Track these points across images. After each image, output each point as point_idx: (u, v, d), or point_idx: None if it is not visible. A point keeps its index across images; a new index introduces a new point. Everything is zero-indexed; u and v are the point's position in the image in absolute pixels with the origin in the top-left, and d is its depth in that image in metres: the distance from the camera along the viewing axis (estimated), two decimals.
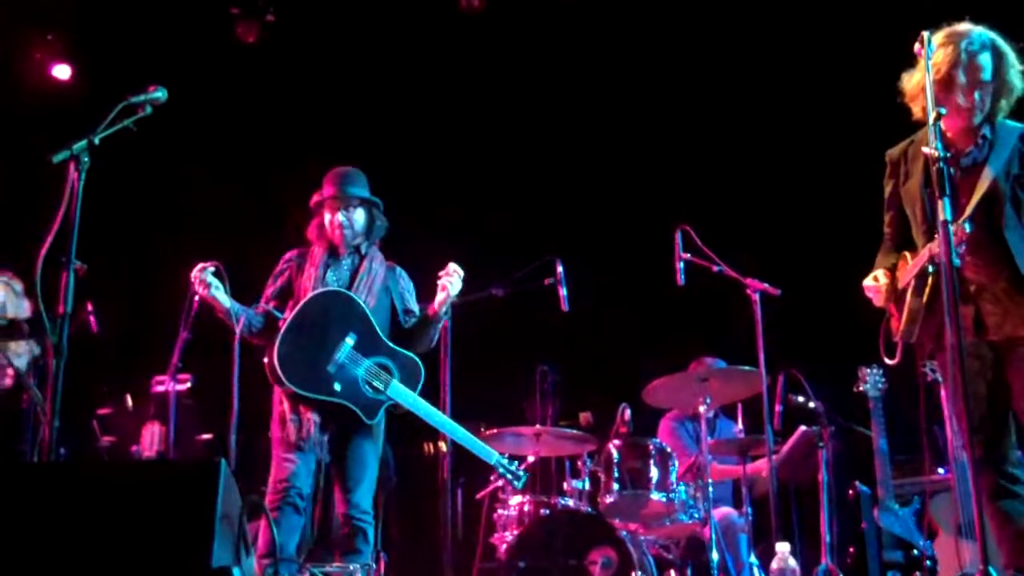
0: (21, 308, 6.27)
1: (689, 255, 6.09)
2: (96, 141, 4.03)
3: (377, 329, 5.37)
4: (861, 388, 6.21)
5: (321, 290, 5.34)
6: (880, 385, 6.18)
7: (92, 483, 3.37)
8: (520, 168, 8.91)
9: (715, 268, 6.09)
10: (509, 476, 5.58)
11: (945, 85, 4.27)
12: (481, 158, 8.94)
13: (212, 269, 5.12)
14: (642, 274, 7.66)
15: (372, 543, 5.34)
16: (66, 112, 8.26)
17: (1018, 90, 4.35)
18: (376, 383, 5.28)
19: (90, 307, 6.67)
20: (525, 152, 8.89)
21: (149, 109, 4.39)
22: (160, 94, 4.40)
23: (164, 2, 8.63)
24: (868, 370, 6.20)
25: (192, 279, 5.11)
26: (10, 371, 6.10)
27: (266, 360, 5.18)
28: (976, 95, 4.28)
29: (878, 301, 4.56)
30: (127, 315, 7.65)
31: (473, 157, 8.95)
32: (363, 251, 5.60)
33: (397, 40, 8.86)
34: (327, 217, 5.54)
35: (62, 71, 9.12)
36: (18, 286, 6.25)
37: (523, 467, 5.65)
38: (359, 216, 5.56)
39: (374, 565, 7.03)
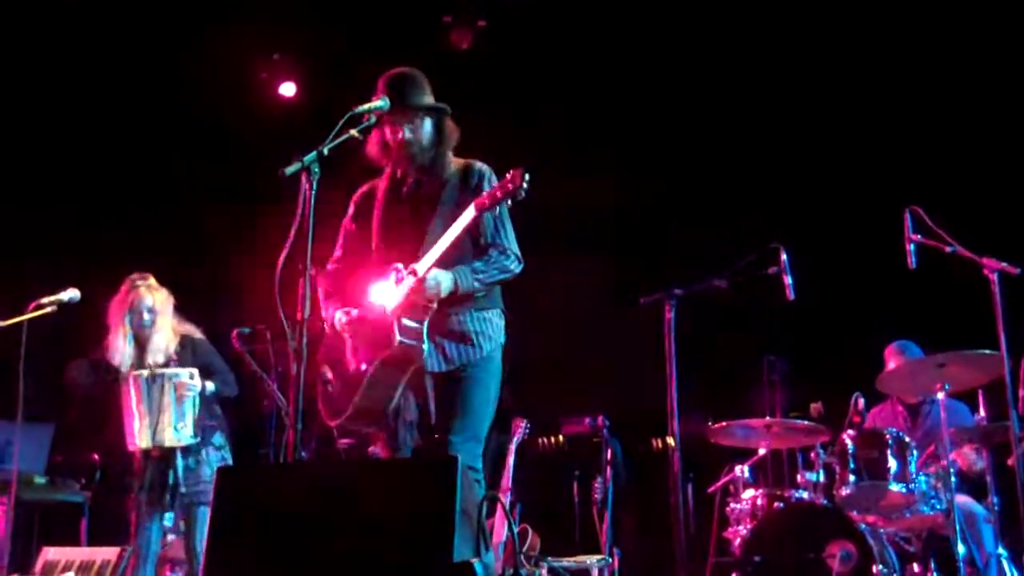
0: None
1: (920, 236, 5.86)
2: (325, 152, 4.17)
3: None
4: None
5: None
6: None
7: (338, 482, 3.49)
8: (742, 155, 8.78)
9: (948, 249, 5.85)
10: None
11: None
12: (703, 147, 8.85)
13: None
14: (871, 258, 7.44)
15: None
16: (294, 127, 8.62)
17: None
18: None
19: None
20: (746, 139, 8.76)
21: (373, 119, 4.53)
22: (383, 103, 4.54)
23: (378, 15, 8.89)
24: None
25: None
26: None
27: None
28: None
29: None
30: None
31: (695, 147, 8.87)
32: (436, 170, 4.80)
33: (609, 36, 8.87)
34: (387, 134, 4.77)
35: (288, 88, 9.51)
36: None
37: None
38: (426, 128, 4.77)
39: (610, 560, 7.07)
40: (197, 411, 6.19)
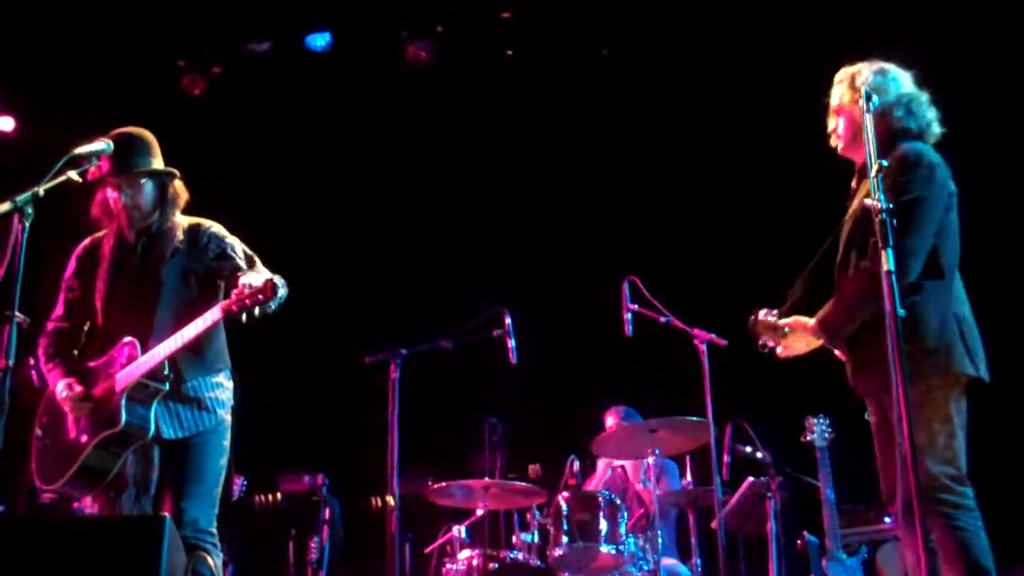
0: None
1: (636, 306, 6.10)
2: (41, 193, 3.99)
3: None
4: (808, 438, 6.24)
5: None
6: (827, 435, 6.21)
7: (35, 540, 3.31)
8: (468, 219, 8.92)
9: (662, 319, 6.09)
10: None
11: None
12: (427, 210, 8.95)
13: None
14: (590, 325, 7.68)
15: None
16: (9, 164, 8.18)
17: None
18: None
19: (32, 361, 6.56)
20: (472, 203, 8.91)
21: (94, 161, 4.37)
22: (105, 146, 4.39)
23: (111, 53, 8.60)
24: (815, 420, 6.24)
25: None
26: None
27: None
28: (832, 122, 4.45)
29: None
30: None
31: (419, 208, 8.96)
32: (162, 233, 4.73)
33: (353, 96, 8.89)
34: (109, 195, 4.71)
35: (5, 123, 9.04)
36: None
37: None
38: (147, 192, 4.70)
39: None
40: None
